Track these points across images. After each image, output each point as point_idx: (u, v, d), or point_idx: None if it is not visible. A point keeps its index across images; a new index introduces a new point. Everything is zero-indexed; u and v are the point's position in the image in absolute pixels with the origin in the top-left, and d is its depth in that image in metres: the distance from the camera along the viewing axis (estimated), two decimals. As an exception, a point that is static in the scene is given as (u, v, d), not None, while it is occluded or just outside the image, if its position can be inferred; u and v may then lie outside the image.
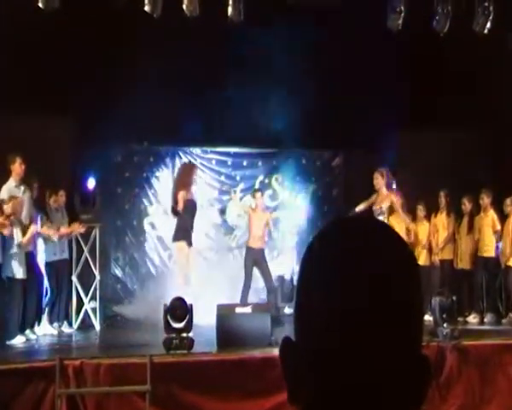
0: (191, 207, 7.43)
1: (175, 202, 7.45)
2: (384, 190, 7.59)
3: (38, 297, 7.39)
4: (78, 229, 8.00)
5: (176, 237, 7.41)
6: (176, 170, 9.63)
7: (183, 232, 7.34)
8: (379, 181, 7.62)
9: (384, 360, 0.67)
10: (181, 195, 7.32)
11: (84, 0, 7.24)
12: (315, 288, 0.71)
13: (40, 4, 6.69)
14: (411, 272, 0.72)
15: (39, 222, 7.43)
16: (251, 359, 5.60)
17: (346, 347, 0.67)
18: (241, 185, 9.77)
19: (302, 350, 0.71)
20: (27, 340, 6.90)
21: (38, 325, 7.47)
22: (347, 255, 0.70)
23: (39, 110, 7.94)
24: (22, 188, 7.09)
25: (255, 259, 8.00)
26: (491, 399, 5.77)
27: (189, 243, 7.37)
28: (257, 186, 9.42)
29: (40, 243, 7.54)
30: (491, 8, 7.38)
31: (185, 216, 7.37)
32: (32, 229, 7.02)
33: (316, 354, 0.69)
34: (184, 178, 7.61)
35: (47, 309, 7.66)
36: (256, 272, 8.08)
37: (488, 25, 7.52)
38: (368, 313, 0.67)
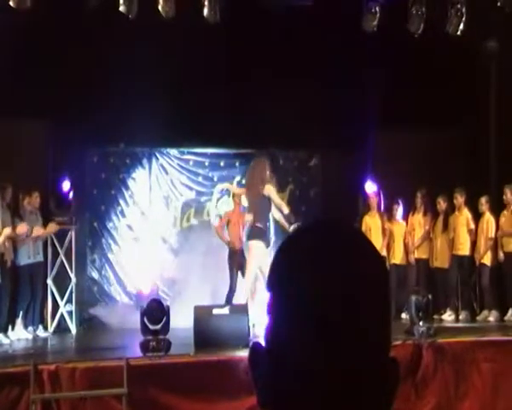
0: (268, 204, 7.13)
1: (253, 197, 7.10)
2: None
3: (12, 301, 7.27)
4: (52, 229, 7.89)
5: (253, 237, 6.94)
6: (152, 171, 9.60)
7: (260, 231, 6.97)
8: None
9: (353, 364, 0.67)
10: (267, 188, 7.07)
11: (57, 0, 7.15)
12: (285, 292, 0.70)
13: (11, 3, 6.59)
14: (382, 281, 0.72)
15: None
16: (228, 360, 5.59)
17: (315, 351, 0.67)
18: (219, 186, 9.74)
19: (271, 354, 0.70)
20: (0, 345, 6.79)
21: (12, 329, 7.36)
22: (319, 261, 0.70)
23: (14, 112, 7.82)
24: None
25: (239, 261, 7.83)
26: (465, 395, 5.85)
27: (267, 244, 7.09)
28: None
29: (14, 245, 7.42)
30: (463, 10, 7.49)
31: (263, 211, 7.06)
32: (5, 232, 6.91)
33: (284, 358, 0.69)
34: (262, 174, 7.22)
35: (21, 313, 7.54)
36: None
37: (461, 26, 7.63)
38: (338, 319, 0.67)
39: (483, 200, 8.21)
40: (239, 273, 7.70)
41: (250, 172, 7.58)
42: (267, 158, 7.77)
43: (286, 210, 7.22)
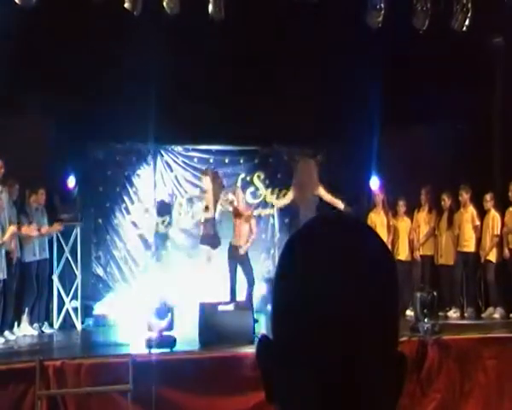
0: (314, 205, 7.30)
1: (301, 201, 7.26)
2: (210, 192, 7.78)
3: (18, 298, 7.30)
4: (57, 228, 7.92)
5: None
6: (157, 168, 9.60)
7: None
8: (206, 182, 7.90)
9: (361, 359, 0.67)
10: (322, 192, 7.22)
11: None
12: (292, 285, 0.70)
13: (16, 0, 6.59)
14: (389, 275, 0.72)
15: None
16: (233, 357, 5.60)
17: (323, 345, 0.67)
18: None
19: (278, 348, 0.71)
20: (6, 341, 6.82)
21: (18, 326, 7.39)
22: (326, 255, 0.70)
23: (20, 110, 7.83)
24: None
25: (238, 257, 7.89)
26: (470, 392, 5.85)
27: None
28: (238, 184, 9.41)
29: (20, 242, 7.44)
30: (469, 6, 7.45)
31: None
32: (12, 229, 6.94)
33: (291, 351, 0.69)
34: (313, 174, 7.45)
35: (27, 310, 7.57)
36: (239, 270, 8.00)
37: (466, 22, 7.59)
38: (345, 314, 0.67)
39: (488, 196, 8.19)
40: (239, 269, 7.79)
41: (299, 174, 7.83)
42: (313, 159, 7.98)
43: (341, 205, 7.56)
